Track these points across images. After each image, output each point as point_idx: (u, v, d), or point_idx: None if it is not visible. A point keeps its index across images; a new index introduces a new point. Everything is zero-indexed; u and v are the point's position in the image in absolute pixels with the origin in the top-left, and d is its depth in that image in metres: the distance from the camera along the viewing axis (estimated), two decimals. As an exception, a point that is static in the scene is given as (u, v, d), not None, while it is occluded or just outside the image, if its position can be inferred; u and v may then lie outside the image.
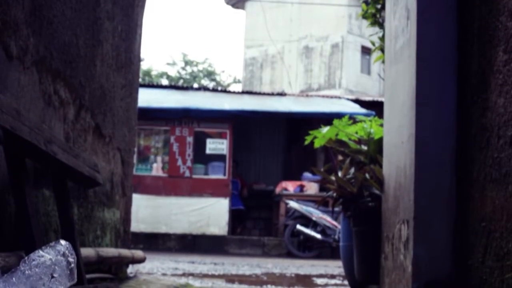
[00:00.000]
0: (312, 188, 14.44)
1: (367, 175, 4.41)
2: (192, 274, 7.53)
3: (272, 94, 17.83)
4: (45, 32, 3.56)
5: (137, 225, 12.62)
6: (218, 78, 38.86)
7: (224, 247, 14.29)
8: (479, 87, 2.99)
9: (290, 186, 14.63)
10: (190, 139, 14.58)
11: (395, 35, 3.92)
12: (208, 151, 14.59)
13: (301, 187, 14.58)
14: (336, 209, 5.43)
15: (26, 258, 1.59)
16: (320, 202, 7.19)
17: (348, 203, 4.61)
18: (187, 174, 14.47)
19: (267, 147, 17.78)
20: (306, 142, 5.52)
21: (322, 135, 5.07)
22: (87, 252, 3.92)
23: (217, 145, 14.65)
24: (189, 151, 14.54)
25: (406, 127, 3.48)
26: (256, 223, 16.98)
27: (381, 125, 4.61)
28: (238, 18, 71.71)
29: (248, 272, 8.48)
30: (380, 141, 4.47)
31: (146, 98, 13.28)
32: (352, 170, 4.74)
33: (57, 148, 3.15)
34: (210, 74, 38.52)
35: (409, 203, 3.37)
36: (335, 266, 9.98)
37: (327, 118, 11.93)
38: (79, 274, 2.92)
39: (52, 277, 1.56)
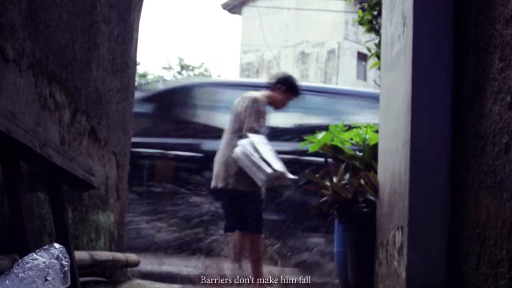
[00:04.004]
0: (307, 193, 14.42)
1: (362, 181, 4.41)
2: (186, 279, 7.51)
3: (268, 99, 17.79)
4: (41, 35, 3.56)
5: (131, 229, 12.58)
6: (214, 82, 38.83)
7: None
8: (474, 94, 3.00)
9: (285, 192, 14.59)
10: (185, 144, 14.54)
11: (391, 41, 3.93)
12: (204, 156, 14.54)
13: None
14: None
15: (19, 261, 1.58)
16: (315, 208, 7.18)
17: (343, 209, 4.61)
18: (182, 178, 14.43)
19: (263, 152, 17.73)
20: (301, 147, 5.52)
21: (317, 140, 5.07)
22: (81, 255, 3.91)
23: (212, 150, 14.61)
24: (185, 155, 14.50)
25: (401, 134, 3.49)
26: (251, 228, 16.94)
27: (376, 131, 4.61)
28: (235, 23, 71.86)
29: (241, 276, 8.44)
30: (375, 147, 4.47)
31: (142, 102, 13.24)
32: (347, 176, 4.74)
33: (52, 151, 3.15)
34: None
35: (403, 210, 3.37)
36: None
37: (322, 124, 11.90)
38: (72, 277, 2.91)
39: (46, 280, 1.56)
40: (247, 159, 5.79)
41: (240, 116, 6.13)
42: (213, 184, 6.20)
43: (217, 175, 6.14)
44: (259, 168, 5.74)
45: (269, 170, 5.69)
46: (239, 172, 5.91)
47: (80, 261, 3.82)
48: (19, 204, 2.89)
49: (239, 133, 6.09)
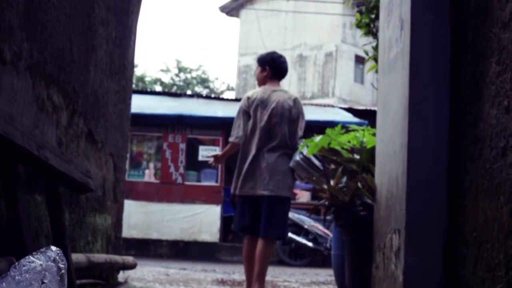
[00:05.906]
0: (304, 196, 14.45)
1: (359, 184, 4.41)
2: (183, 281, 7.52)
3: (265, 102, 17.78)
4: (39, 37, 3.56)
5: (128, 231, 12.59)
6: (211, 85, 38.87)
7: (215, 254, 14.26)
8: (472, 97, 3.00)
9: (283, 194, 14.59)
10: (182, 146, 14.57)
11: (388, 45, 3.93)
12: (200, 158, 14.57)
13: (293, 195, 14.58)
14: (328, 217, 5.42)
15: (16, 263, 1.58)
16: (312, 211, 7.19)
17: (340, 212, 4.61)
18: (180, 180, 14.46)
19: (260, 154, 17.72)
20: (299, 151, 5.52)
21: (314, 143, 5.07)
22: (78, 257, 3.91)
23: (209, 152, 14.64)
24: (182, 157, 14.53)
25: (399, 137, 3.49)
26: (248, 230, 16.92)
27: (374, 135, 4.61)
28: (233, 25, 71.84)
29: (239, 279, 8.47)
30: (372, 150, 4.47)
31: (140, 104, 13.28)
32: (345, 179, 4.74)
33: (50, 153, 3.14)
34: (203, 81, 38.53)
35: (400, 213, 3.37)
36: (326, 275, 9.97)
37: (320, 127, 11.94)
38: (69, 280, 2.90)
39: (42, 283, 1.56)
40: (312, 169, 5.50)
41: (295, 121, 5.72)
42: (257, 191, 5.77)
43: (259, 181, 5.73)
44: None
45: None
46: (284, 178, 5.64)
47: (77, 263, 3.82)
48: (16, 206, 2.89)
49: (288, 138, 5.71)
